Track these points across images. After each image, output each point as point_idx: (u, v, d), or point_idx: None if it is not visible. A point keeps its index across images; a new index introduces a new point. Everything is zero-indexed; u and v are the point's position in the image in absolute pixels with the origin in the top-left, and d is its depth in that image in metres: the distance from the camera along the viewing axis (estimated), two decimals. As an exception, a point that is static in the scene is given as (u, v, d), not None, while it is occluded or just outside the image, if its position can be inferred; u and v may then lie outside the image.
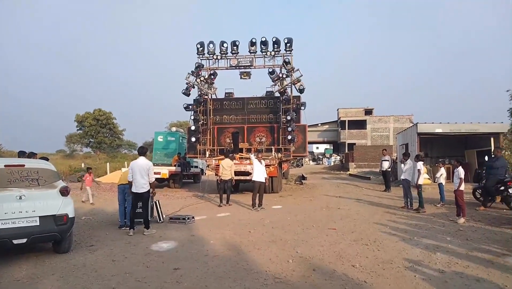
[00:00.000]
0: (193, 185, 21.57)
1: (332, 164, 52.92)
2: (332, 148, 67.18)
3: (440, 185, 12.56)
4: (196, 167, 23.66)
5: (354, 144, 49.08)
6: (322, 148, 77.97)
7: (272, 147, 16.46)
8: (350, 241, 7.60)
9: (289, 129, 15.61)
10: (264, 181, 12.59)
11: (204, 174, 25.32)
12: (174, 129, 24.98)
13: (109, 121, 58.47)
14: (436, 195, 13.06)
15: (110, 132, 59.34)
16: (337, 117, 59.04)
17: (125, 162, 32.94)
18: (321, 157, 67.89)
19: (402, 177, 12.16)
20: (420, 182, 11.43)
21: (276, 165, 15.90)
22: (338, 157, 54.55)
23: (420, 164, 11.61)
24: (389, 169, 18.00)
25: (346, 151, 49.91)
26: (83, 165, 33.57)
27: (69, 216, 6.68)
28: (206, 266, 6.00)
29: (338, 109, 59.20)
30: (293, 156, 17.40)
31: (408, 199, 11.97)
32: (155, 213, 10.05)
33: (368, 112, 58.13)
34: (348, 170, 37.60)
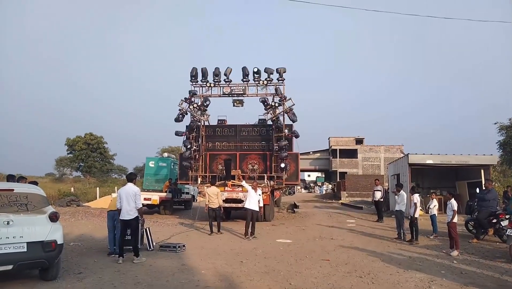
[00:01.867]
0: (184, 212, 21.30)
1: (324, 192, 52.77)
2: (323, 176, 67.16)
3: (432, 216, 12.55)
4: (187, 193, 23.44)
5: (346, 173, 49.18)
6: (313, 176, 77.90)
7: (265, 174, 16.44)
8: (344, 273, 7.48)
9: (283, 155, 15.67)
10: (257, 209, 12.48)
11: (195, 200, 25.06)
12: (165, 154, 24.88)
13: (100, 145, 58.14)
14: (428, 227, 13.02)
15: (100, 157, 58.88)
16: (329, 146, 59.35)
17: (115, 187, 32.51)
18: (312, 185, 67.76)
19: (397, 208, 12.11)
20: (416, 215, 11.45)
21: (269, 193, 15.82)
22: (330, 186, 54.45)
23: (416, 197, 11.65)
24: (382, 199, 17.97)
25: (338, 179, 49.91)
26: (72, 189, 33.06)
27: (58, 243, 6.52)
28: (197, 297, 5.84)
29: (329, 138, 59.58)
30: (285, 184, 17.37)
31: (402, 230, 11.91)
32: (145, 241, 9.86)
33: (359, 141, 58.56)
34: (340, 199, 37.49)
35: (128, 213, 8.41)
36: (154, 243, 9.98)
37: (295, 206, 23.67)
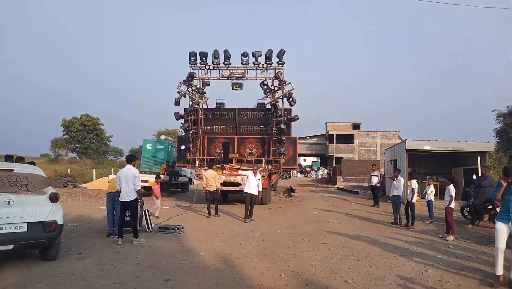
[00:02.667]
0: (181, 194, 21.37)
1: (320, 177, 53.05)
2: (319, 161, 67.38)
3: (429, 202, 12.66)
4: (184, 176, 23.48)
5: (342, 158, 49.33)
6: (309, 160, 78.11)
7: (263, 158, 16.47)
8: (341, 256, 7.57)
9: (282, 138, 15.69)
10: (256, 194, 12.53)
11: (192, 183, 25.14)
12: (163, 137, 24.79)
13: (96, 127, 57.94)
14: (424, 212, 13.15)
15: (97, 138, 58.73)
16: (325, 131, 59.36)
17: (112, 169, 32.54)
18: (308, 169, 68.03)
19: (395, 193, 12.20)
20: (414, 200, 11.56)
21: (266, 177, 15.88)
22: (326, 170, 54.68)
23: (414, 183, 11.75)
24: (378, 185, 18.08)
25: (334, 164, 50.10)
26: (69, 170, 33.05)
27: (58, 223, 6.55)
28: (197, 278, 5.91)
29: (326, 123, 59.52)
30: (283, 168, 17.41)
31: (398, 215, 12.03)
32: (144, 222, 9.91)
33: (356, 126, 58.54)
34: (336, 184, 37.73)
35: (128, 194, 8.43)
36: (153, 225, 10.04)
37: (291, 190, 23.81)
